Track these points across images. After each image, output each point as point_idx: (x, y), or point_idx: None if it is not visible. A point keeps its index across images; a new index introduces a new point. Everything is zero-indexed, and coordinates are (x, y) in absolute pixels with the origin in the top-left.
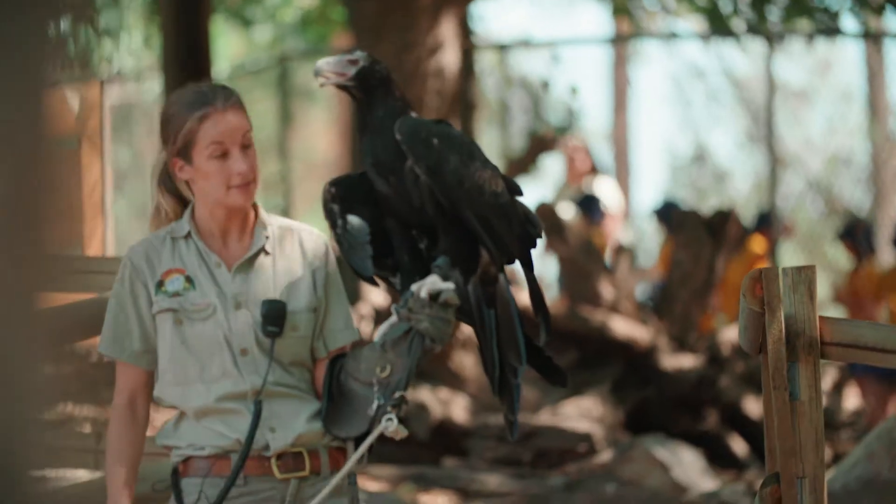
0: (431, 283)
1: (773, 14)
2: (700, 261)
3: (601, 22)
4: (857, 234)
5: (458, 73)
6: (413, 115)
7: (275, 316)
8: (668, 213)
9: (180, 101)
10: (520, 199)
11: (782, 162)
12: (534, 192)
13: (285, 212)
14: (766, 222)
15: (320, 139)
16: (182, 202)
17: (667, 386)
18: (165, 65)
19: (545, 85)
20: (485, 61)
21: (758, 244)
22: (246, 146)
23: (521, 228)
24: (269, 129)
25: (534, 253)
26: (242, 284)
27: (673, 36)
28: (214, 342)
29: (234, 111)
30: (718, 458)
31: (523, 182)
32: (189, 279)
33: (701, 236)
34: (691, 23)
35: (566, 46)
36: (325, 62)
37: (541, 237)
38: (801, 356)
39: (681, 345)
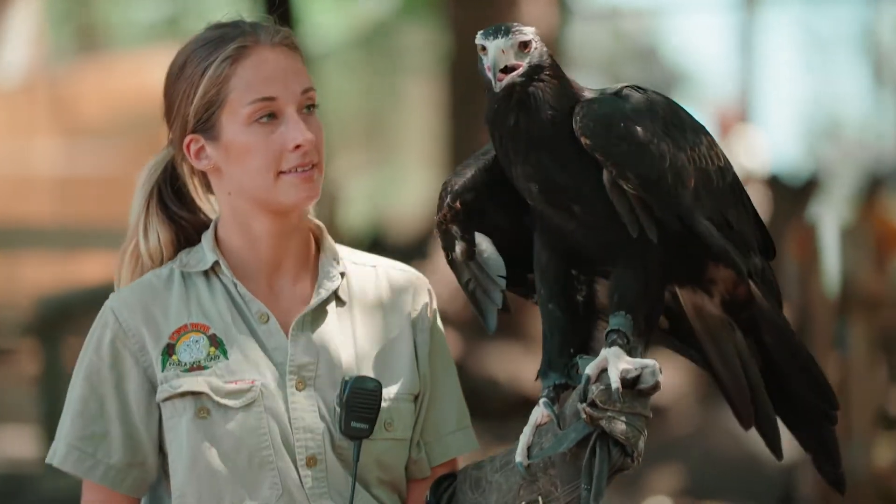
0: (616, 361)
1: None
2: None
3: None
4: None
5: (551, 41)
6: (587, 95)
7: (365, 403)
8: None
9: (193, 47)
10: None
11: None
12: None
13: None
14: None
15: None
16: (181, 235)
17: None
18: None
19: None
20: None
21: None
22: (309, 107)
23: (753, 205)
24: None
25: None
26: (308, 351)
27: None
28: (263, 445)
29: (288, 53)
30: None
31: None
32: (216, 341)
33: None
34: None
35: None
36: (497, 47)
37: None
38: None
39: None
